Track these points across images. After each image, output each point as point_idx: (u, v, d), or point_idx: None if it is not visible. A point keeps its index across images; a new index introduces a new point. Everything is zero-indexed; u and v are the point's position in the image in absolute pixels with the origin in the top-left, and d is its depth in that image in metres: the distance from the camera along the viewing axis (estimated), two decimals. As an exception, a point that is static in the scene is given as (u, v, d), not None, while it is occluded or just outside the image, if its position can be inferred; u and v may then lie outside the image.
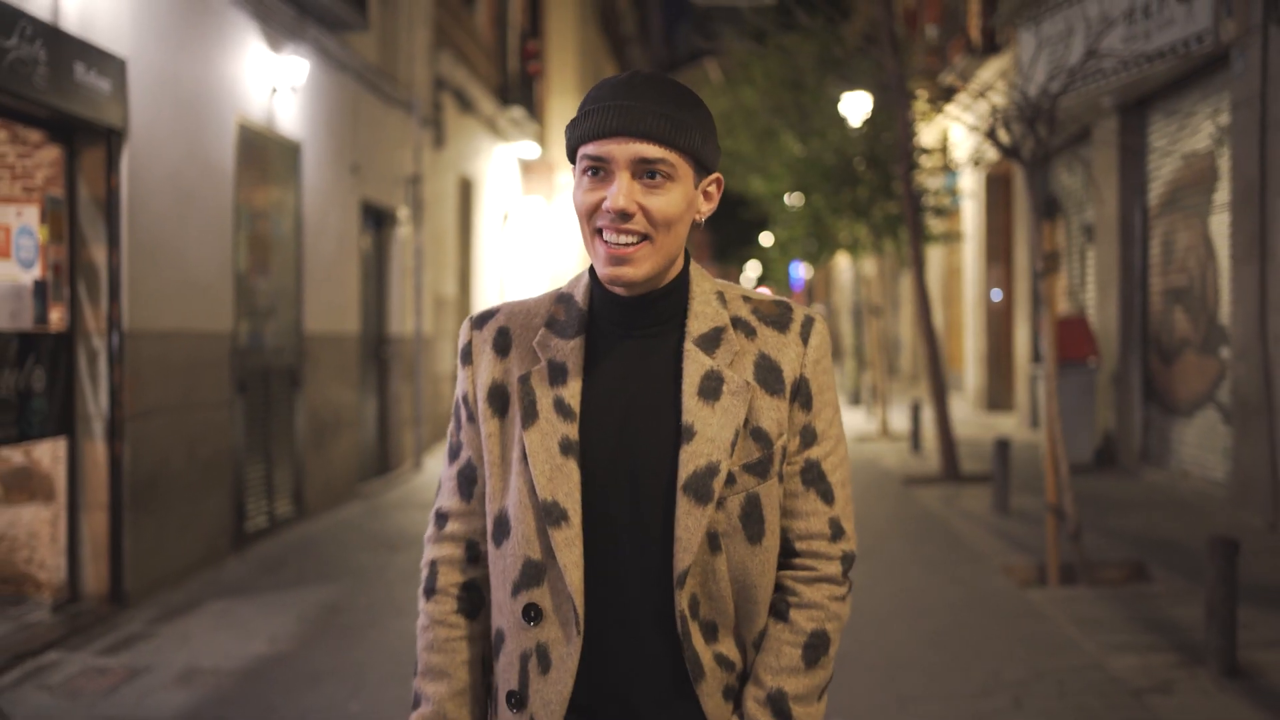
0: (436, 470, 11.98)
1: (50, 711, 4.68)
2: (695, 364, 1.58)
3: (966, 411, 17.04)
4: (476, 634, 1.71)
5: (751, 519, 1.57)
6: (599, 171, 1.53)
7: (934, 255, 20.31)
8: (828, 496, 1.64)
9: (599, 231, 1.54)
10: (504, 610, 1.62)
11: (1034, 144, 6.48)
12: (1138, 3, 8.87)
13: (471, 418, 1.67)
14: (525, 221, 19.22)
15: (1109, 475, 10.55)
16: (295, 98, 8.77)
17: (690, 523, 1.53)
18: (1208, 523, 7.91)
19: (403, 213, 11.58)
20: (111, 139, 6.16)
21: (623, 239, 1.52)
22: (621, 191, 1.50)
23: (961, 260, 18.83)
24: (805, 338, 1.63)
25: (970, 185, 16.75)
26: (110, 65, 6.02)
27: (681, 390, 1.58)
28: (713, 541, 1.56)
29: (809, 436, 1.63)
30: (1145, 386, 10.59)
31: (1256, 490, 7.82)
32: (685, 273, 1.64)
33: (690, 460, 1.54)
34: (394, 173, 11.40)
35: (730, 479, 1.56)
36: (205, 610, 6.30)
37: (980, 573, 6.93)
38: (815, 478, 1.64)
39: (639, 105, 1.51)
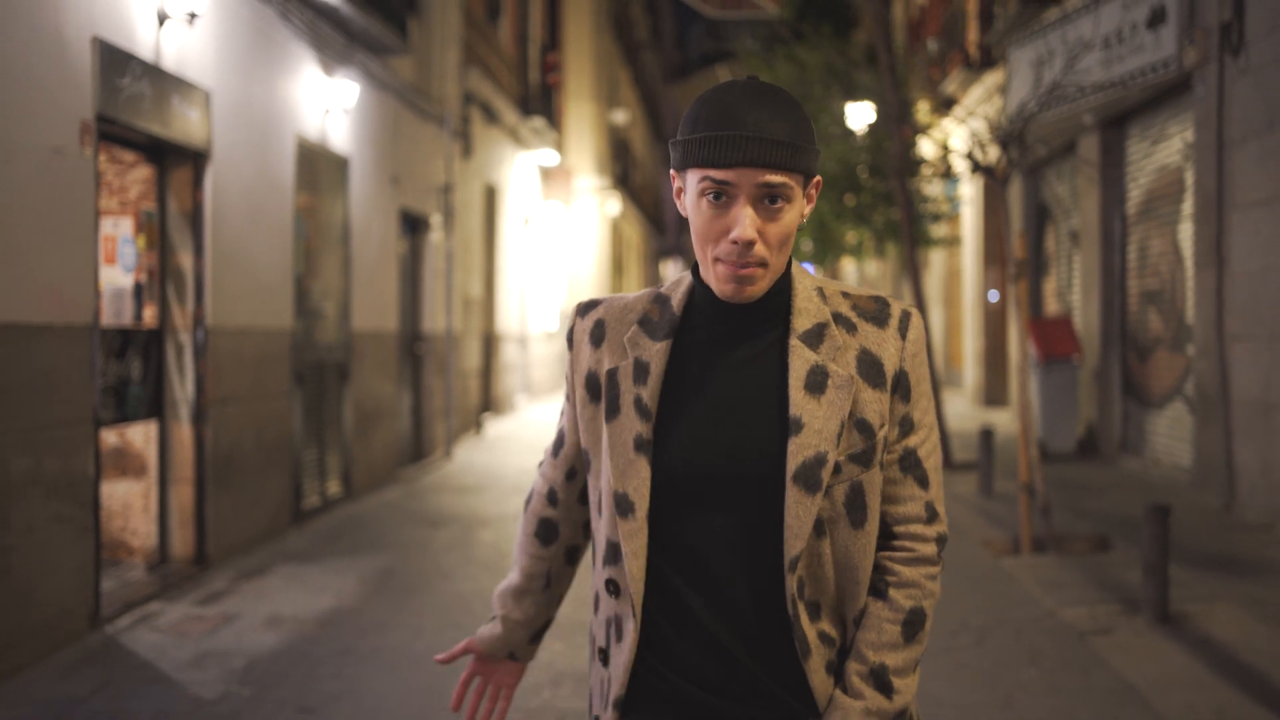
0: (466, 459, 12.87)
1: (166, 646, 5.57)
2: (801, 359, 1.65)
3: (965, 407, 17.87)
4: (547, 556, 1.98)
5: (855, 505, 1.65)
6: (720, 196, 1.59)
7: (936, 258, 21.14)
8: (923, 482, 1.72)
9: (718, 255, 1.62)
10: (598, 577, 1.77)
11: (1006, 164, 7.33)
12: (1112, 30, 9.72)
13: (569, 397, 1.84)
14: (544, 225, 20.11)
15: (1090, 464, 11.39)
16: (345, 117, 9.66)
17: (800, 511, 1.60)
18: (1170, 503, 8.73)
19: (435, 219, 12.48)
20: (197, 160, 7.06)
21: (746, 267, 1.61)
22: (747, 222, 1.58)
23: (961, 263, 19.66)
24: (904, 332, 1.70)
25: (969, 192, 17.57)
26: (198, 96, 6.91)
27: (788, 384, 1.65)
28: (818, 527, 1.63)
29: (907, 426, 1.70)
30: (1124, 381, 11.43)
31: (1214, 474, 8.66)
32: (788, 270, 1.70)
33: (799, 451, 1.61)
34: (428, 182, 12.30)
35: (837, 468, 1.62)
36: (276, 573, 7.18)
37: (961, 545, 7.77)
38: (912, 464, 1.71)
39: (762, 135, 1.56)
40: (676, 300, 1.73)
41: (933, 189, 16.02)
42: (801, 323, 1.67)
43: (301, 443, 8.78)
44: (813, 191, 1.67)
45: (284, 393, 8.37)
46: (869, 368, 1.66)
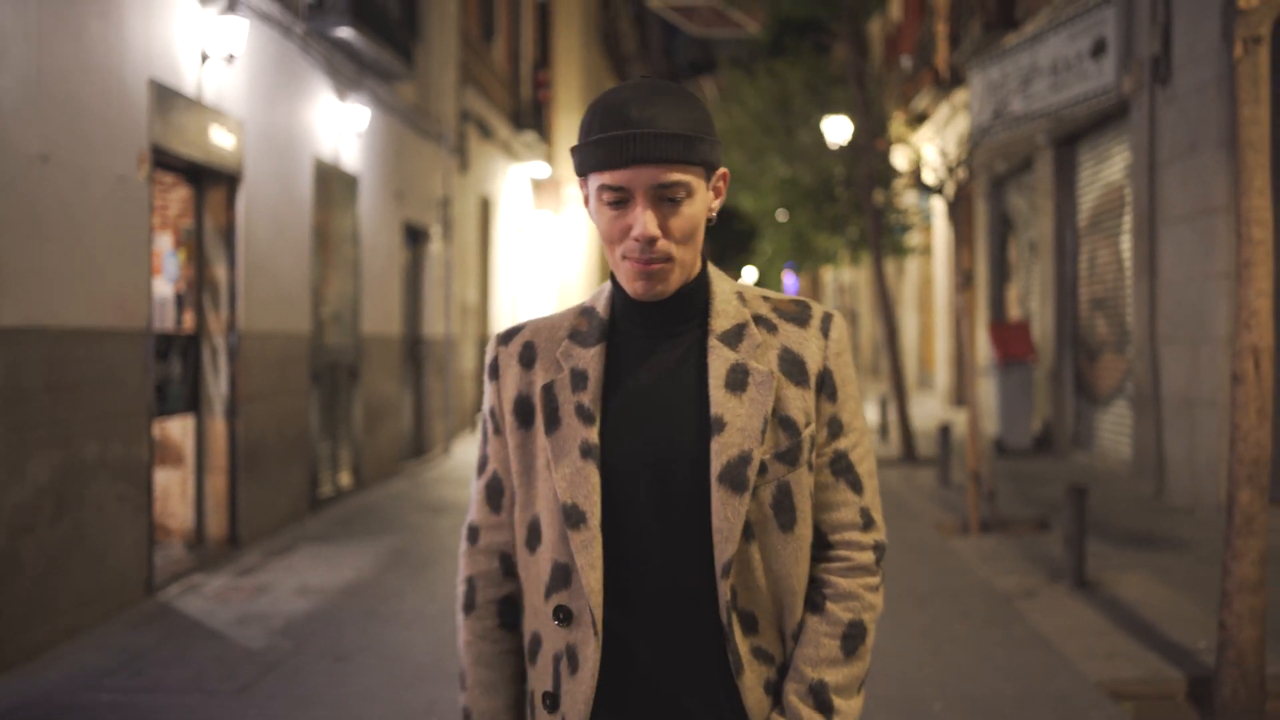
0: (463, 454, 13.71)
1: (213, 610, 6.40)
2: (720, 358, 1.60)
3: (936, 407, 18.76)
4: (517, 647, 1.75)
5: (783, 507, 1.59)
6: (619, 200, 1.55)
7: (911, 266, 22.05)
8: (857, 486, 1.66)
9: (624, 253, 1.58)
10: (539, 614, 1.65)
11: (955, 186, 8.21)
12: (1060, 58, 10.60)
13: (498, 430, 1.71)
14: (535, 234, 20.96)
15: (1044, 458, 12.28)
16: (355, 139, 10.50)
17: (728, 513, 1.55)
18: (1109, 491, 9.63)
19: (435, 230, 13.33)
20: (231, 182, 7.89)
21: (652, 263, 1.56)
22: (647, 221, 1.53)
23: (933, 271, 20.56)
24: (825, 331, 1.65)
25: (940, 205, 18.46)
26: (232, 124, 7.74)
27: (708, 384, 1.60)
28: (747, 531, 1.57)
29: (836, 428, 1.65)
30: (1075, 381, 12.33)
31: (1147, 464, 9.55)
32: (704, 273, 1.66)
33: (723, 451, 1.56)
34: (428, 196, 13.15)
35: (762, 468, 1.57)
36: (300, 551, 8.01)
37: (915, 528, 8.64)
38: (844, 468, 1.65)
39: (651, 131, 1.51)
40: (601, 307, 1.70)
41: (906, 200, 16.88)
42: (720, 323, 1.63)
43: (318, 437, 9.61)
44: (720, 184, 1.63)
45: (303, 391, 9.20)
46: (791, 365, 1.62)
